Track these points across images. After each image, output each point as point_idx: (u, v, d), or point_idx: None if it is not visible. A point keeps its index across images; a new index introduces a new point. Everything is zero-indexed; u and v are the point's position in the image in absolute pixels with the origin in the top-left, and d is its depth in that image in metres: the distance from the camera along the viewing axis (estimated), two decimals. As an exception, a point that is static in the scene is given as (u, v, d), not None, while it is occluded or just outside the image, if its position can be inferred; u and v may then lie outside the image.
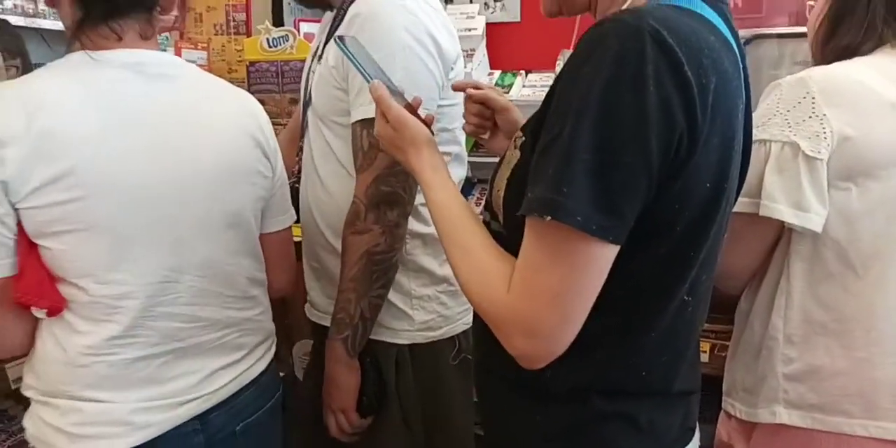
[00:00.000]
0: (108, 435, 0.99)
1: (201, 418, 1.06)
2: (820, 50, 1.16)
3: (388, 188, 1.12)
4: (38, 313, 0.96)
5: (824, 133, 1.01)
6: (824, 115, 1.02)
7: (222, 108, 1.09)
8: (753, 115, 1.10)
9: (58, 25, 3.30)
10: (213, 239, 1.06)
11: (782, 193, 1.03)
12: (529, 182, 0.71)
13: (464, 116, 1.13)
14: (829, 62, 1.11)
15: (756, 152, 1.06)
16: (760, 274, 1.16)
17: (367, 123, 1.15)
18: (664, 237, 0.73)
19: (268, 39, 2.34)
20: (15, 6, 3.15)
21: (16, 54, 2.21)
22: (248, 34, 2.67)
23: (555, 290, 0.69)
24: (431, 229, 1.17)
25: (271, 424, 1.20)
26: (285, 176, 1.22)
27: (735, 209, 1.06)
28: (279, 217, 1.22)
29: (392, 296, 1.23)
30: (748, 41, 2.70)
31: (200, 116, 1.05)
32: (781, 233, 1.10)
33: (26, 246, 0.94)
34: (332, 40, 0.95)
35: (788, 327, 1.10)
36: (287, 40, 2.33)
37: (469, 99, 1.09)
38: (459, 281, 0.80)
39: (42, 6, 3.30)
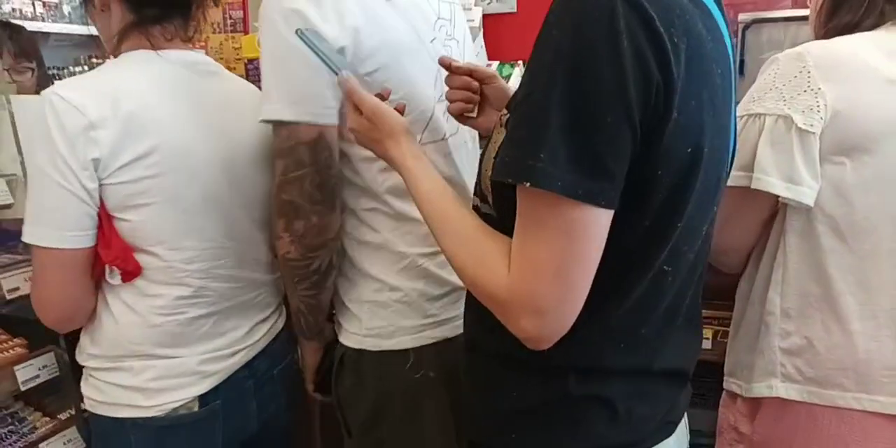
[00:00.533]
0: (182, 385, 1.13)
1: (249, 365, 1.22)
2: (822, 28, 1.15)
3: (287, 197, 1.05)
4: (114, 279, 1.08)
5: (818, 106, 1.01)
6: (819, 88, 1.02)
7: (257, 101, 1.16)
8: (751, 88, 1.11)
9: (55, 28, 3.32)
10: (250, 212, 1.20)
11: (774, 166, 1.03)
12: (504, 144, 0.69)
13: (447, 97, 1.07)
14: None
15: (751, 125, 1.06)
16: (759, 251, 1.16)
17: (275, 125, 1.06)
18: (644, 203, 0.71)
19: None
20: (14, 10, 3.17)
21: (31, 57, 2.25)
22: (246, 32, 2.67)
23: (555, 263, 0.67)
24: (380, 237, 1.12)
25: (294, 369, 1.36)
26: None
27: (730, 183, 1.06)
28: None
29: (345, 296, 1.18)
30: (749, 25, 2.69)
31: (243, 108, 1.16)
32: (776, 207, 1.10)
33: (107, 219, 1.05)
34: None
35: (785, 301, 1.11)
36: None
37: (452, 73, 1.05)
38: (456, 268, 0.78)
39: (40, 10, 3.32)
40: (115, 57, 1.13)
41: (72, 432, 1.40)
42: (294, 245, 1.06)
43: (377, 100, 0.89)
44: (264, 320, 1.27)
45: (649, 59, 0.64)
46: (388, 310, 1.12)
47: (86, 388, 1.16)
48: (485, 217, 0.80)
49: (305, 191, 1.03)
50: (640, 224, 0.72)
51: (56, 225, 1.01)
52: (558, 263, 0.67)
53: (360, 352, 1.14)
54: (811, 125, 1.01)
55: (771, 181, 1.03)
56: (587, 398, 0.80)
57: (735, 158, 1.07)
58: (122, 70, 1.10)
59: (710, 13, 0.75)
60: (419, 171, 0.85)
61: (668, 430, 0.86)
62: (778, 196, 1.05)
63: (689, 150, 0.69)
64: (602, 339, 0.78)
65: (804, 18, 1.34)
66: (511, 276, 0.70)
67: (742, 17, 2.75)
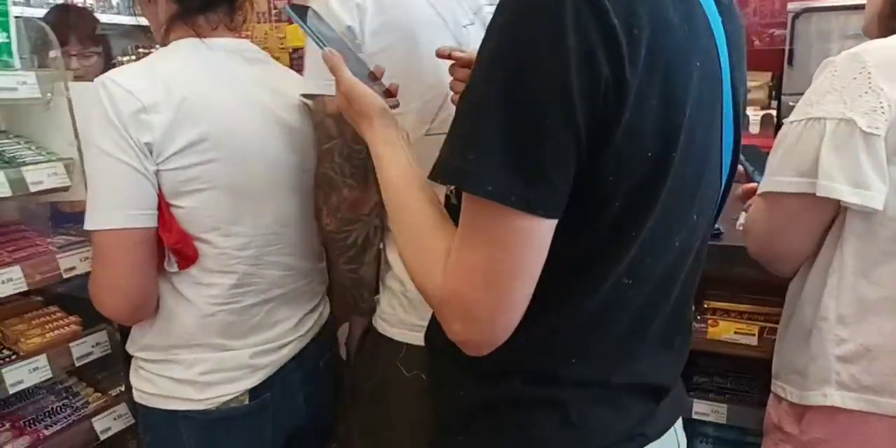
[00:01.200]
0: (233, 379, 1.14)
1: (297, 357, 1.22)
2: (883, 24, 1.11)
3: (322, 169, 1.10)
4: (171, 267, 1.09)
5: (882, 108, 0.98)
6: (881, 89, 0.99)
7: (292, 83, 1.20)
8: (806, 92, 1.08)
9: (104, 19, 3.39)
10: (301, 198, 1.20)
11: (841, 172, 1.00)
12: (444, 141, 0.65)
13: (451, 87, 1.03)
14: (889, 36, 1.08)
15: (810, 130, 1.03)
16: (811, 255, 1.13)
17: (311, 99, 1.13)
18: (596, 211, 0.66)
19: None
20: (65, 1, 3.24)
21: (98, 41, 2.26)
22: (290, 21, 2.69)
23: (487, 271, 0.63)
24: None
25: (337, 360, 1.36)
26: None
27: (789, 190, 1.05)
28: None
29: (380, 274, 1.20)
30: (798, 15, 2.62)
31: (288, 95, 1.17)
32: (838, 212, 1.08)
33: (164, 203, 1.06)
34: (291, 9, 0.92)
35: (840, 307, 1.08)
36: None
37: (455, 64, 0.99)
38: (404, 262, 0.75)
39: (90, 1, 3.39)
40: (164, 46, 1.15)
41: (122, 408, 1.44)
42: (330, 217, 1.10)
43: (354, 80, 0.85)
44: (312, 310, 1.27)
45: (598, 56, 0.58)
46: (396, 300, 1.14)
47: (136, 379, 1.17)
48: (456, 210, 0.74)
49: (336, 163, 1.07)
50: (594, 233, 0.67)
51: (121, 204, 1.02)
52: (490, 271, 0.63)
53: (375, 329, 1.18)
54: (876, 128, 0.98)
55: (838, 187, 1.00)
56: (536, 401, 0.75)
57: (788, 163, 1.05)
58: (171, 58, 1.11)
59: (695, 8, 0.68)
60: (388, 157, 0.81)
61: (638, 443, 0.79)
62: (841, 202, 1.02)
63: (650, 154, 0.63)
64: (550, 349, 0.74)
65: (853, 8, 1.30)
66: (444, 279, 0.66)
67: (791, 6, 2.69)
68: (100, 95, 1.00)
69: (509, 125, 0.59)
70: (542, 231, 0.62)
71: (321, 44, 0.88)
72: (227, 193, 1.09)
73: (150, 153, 1.02)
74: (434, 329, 0.83)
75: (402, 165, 0.79)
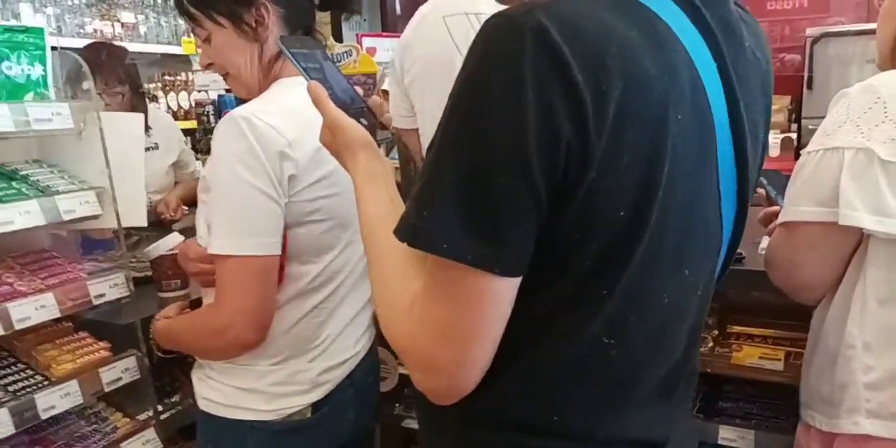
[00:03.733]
0: (299, 392, 1.18)
1: (351, 375, 1.25)
2: (895, 59, 1.13)
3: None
4: None
5: None
6: None
7: None
8: (821, 124, 1.09)
9: (132, 47, 3.48)
10: None
11: (861, 200, 1.00)
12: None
13: None
14: None
15: (828, 160, 1.04)
16: (835, 282, 1.13)
17: None
18: (565, 269, 0.63)
19: (332, 55, 2.41)
20: (95, 31, 3.34)
21: (124, 81, 2.31)
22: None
23: (445, 324, 0.61)
24: None
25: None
26: None
27: (810, 219, 1.05)
28: None
29: None
30: (817, 40, 2.63)
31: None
32: (860, 241, 1.08)
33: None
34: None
35: (865, 335, 1.08)
36: (350, 55, 2.40)
37: None
38: (374, 303, 0.73)
39: (119, 30, 3.49)
40: (265, 85, 1.19)
41: (150, 433, 1.46)
42: None
43: (338, 112, 0.84)
44: (367, 329, 1.31)
45: (558, 114, 0.55)
46: None
47: (203, 388, 1.20)
48: None
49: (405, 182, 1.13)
50: (562, 291, 0.64)
51: (259, 233, 1.06)
52: (449, 326, 0.61)
53: None
54: (895, 156, 0.99)
55: (859, 216, 1.00)
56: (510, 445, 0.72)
57: (808, 192, 1.05)
58: (293, 95, 1.11)
59: (673, 46, 0.62)
60: (368, 193, 0.78)
61: None
62: (864, 230, 1.02)
63: (623, 213, 0.60)
64: (531, 400, 0.70)
65: (871, 32, 1.31)
66: (407, 328, 0.65)
67: (810, 31, 2.70)
68: (243, 130, 1.04)
69: (464, 182, 0.57)
70: (501, 289, 0.60)
71: (307, 76, 0.88)
72: (337, 225, 1.16)
73: (290, 184, 1.07)
74: None
75: (382, 203, 0.77)
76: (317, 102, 0.85)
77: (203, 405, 1.19)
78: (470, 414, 0.71)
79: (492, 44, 0.58)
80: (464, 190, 0.57)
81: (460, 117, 0.59)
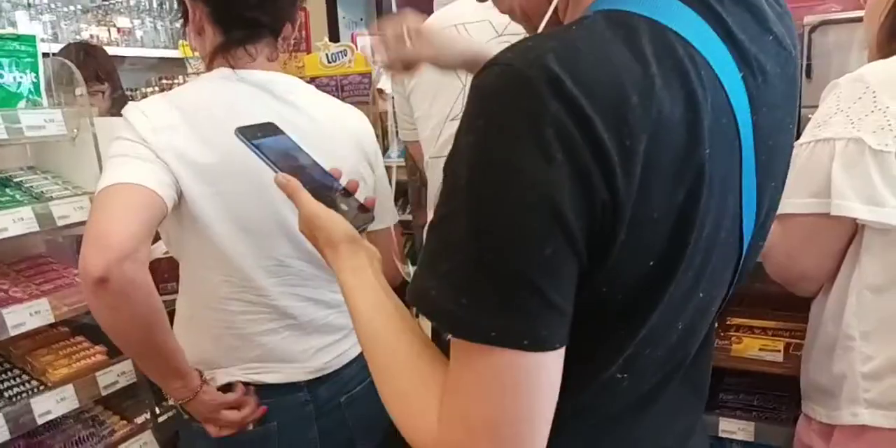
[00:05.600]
0: None
1: (310, 391, 1.19)
2: (882, 51, 1.12)
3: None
4: None
5: (889, 125, 0.99)
6: (887, 107, 0.99)
7: (334, 123, 1.21)
8: (814, 116, 1.08)
9: (128, 52, 3.49)
10: None
11: (853, 190, 1.00)
12: (421, 263, 0.57)
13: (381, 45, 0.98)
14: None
15: (819, 151, 1.04)
16: (832, 273, 1.12)
17: None
18: (584, 319, 0.58)
19: (327, 55, 2.41)
20: (91, 36, 3.35)
21: (104, 80, 2.33)
22: (308, 51, 2.75)
23: (494, 421, 0.53)
24: None
25: (374, 394, 1.26)
26: (386, 182, 1.34)
27: (804, 211, 1.05)
28: (381, 217, 1.29)
29: None
30: (815, 28, 2.61)
31: (316, 130, 1.16)
32: (855, 231, 1.07)
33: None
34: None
35: (864, 324, 1.07)
36: (345, 55, 2.39)
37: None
38: (386, 406, 0.65)
39: (115, 35, 3.50)
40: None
41: (147, 436, 1.47)
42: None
43: (314, 205, 0.79)
44: (331, 344, 1.23)
45: (592, 175, 0.49)
46: None
47: None
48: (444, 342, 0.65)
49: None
50: (586, 335, 0.59)
51: (131, 173, 1.01)
52: (497, 420, 0.53)
53: None
54: (886, 145, 0.99)
55: (851, 206, 1.00)
56: None
57: (801, 184, 1.05)
58: (197, 87, 1.13)
59: (696, 68, 0.55)
60: (356, 288, 0.73)
61: None
62: (857, 219, 1.02)
63: (652, 263, 0.56)
64: None
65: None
66: (440, 430, 0.56)
67: (808, 19, 2.67)
68: (123, 122, 1.04)
69: (505, 268, 0.51)
70: (554, 363, 0.54)
71: (274, 168, 0.83)
72: (236, 225, 1.09)
73: (170, 170, 1.02)
74: None
75: (368, 297, 0.71)
76: (291, 196, 0.80)
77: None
78: None
79: (500, 106, 0.50)
80: (506, 270, 0.50)
81: (482, 194, 0.51)
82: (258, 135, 0.85)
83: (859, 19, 2.28)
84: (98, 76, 2.31)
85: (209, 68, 1.16)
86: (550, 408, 0.55)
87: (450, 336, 0.54)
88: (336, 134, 1.20)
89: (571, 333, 0.57)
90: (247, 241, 1.10)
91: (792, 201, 1.06)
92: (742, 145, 0.61)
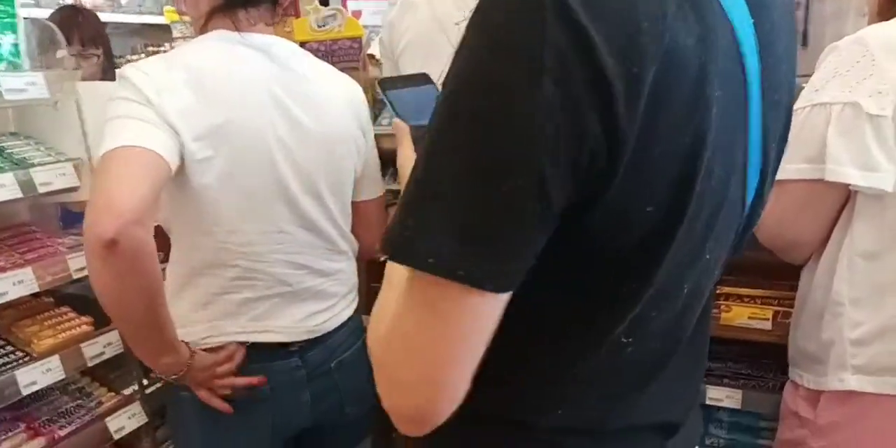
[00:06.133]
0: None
1: (301, 356, 1.20)
2: (886, 8, 1.09)
3: None
4: None
5: (886, 89, 0.97)
6: (885, 71, 0.97)
7: (330, 88, 1.21)
8: (811, 78, 1.06)
9: (113, 18, 3.41)
10: (321, 201, 1.19)
11: (848, 155, 0.99)
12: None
13: None
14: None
15: (815, 116, 1.02)
16: (823, 240, 1.12)
17: None
18: (585, 272, 0.56)
19: (316, 19, 2.35)
20: (75, 1, 3.26)
21: (98, 43, 2.29)
22: (297, 15, 2.68)
23: (412, 342, 0.53)
24: None
25: (363, 360, 1.27)
26: (376, 152, 1.34)
27: (797, 177, 1.03)
28: (371, 187, 1.33)
29: None
30: (810, -7, 2.57)
31: (313, 94, 1.17)
32: (848, 197, 1.06)
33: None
34: None
35: (854, 291, 1.07)
36: (335, 19, 2.33)
37: None
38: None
39: (99, 1, 3.41)
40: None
41: (135, 407, 1.46)
42: None
43: (409, 151, 0.75)
44: (324, 310, 1.24)
45: (583, 106, 0.46)
46: None
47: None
48: None
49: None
50: (585, 292, 0.58)
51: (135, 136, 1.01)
52: (415, 344, 0.53)
53: None
54: (882, 109, 0.97)
55: (846, 171, 0.99)
56: (508, 440, 0.67)
57: (795, 150, 1.02)
58: (197, 47, 1.11)
59: (713, 10, 0.53)
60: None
61: None
62: (850, 185, 1.01)
63: (651, 209, 0.52)
64: (531, 402, 0.65)
65: (868, -13, 1.27)
66: (382, 338, 0.57)
67: (801, -15, 2.63)
68: (121, 82, 1.02)
69: (461, 194, 0.48)
70: (491, 308, 0.52)
71: (395, 112, 0.82)
72: (233, 191, 1.08)
73: (174, 132, 1.00)
74: None
75: None
76: (397, 140, 0.77)
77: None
78: (469, 411, 0.64)
79: (500, 20, 0.47)
80: (462, 196, 0.48)
81: (461, 109, 0.48)
82: (398, 85, 0.85)
83: (857, -13, 2.23)
84: (94, 40, 2.28)
85: (202, 31, 1.14)
86: (474, 352, 0.54)
87: (385, 257, 0.52)
88: (332, 100, 1.19)
89: (573, 290, 0.56)
90: (247, 206, 1.10)
91: (786, 167, 1.05)
92: (748, 96, 0.58)
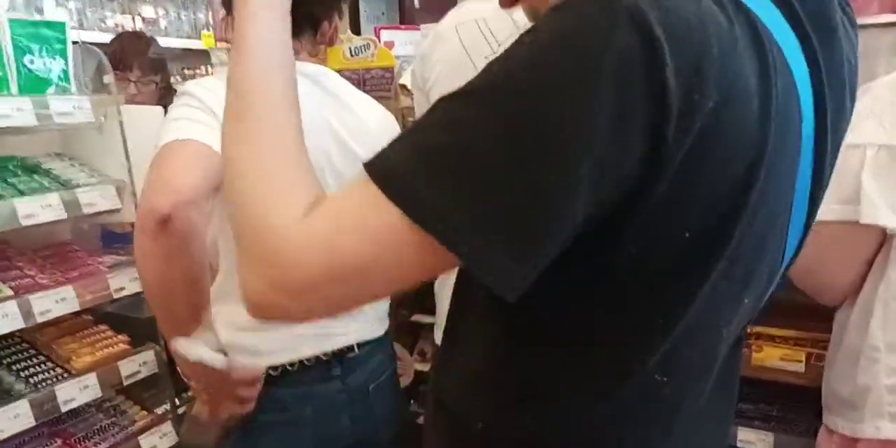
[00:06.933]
0: None
1: (343, 380, 1.22)
2: None
3: None
4: None
5: None
6: None
7: (370, 114, 1.25)
8: None
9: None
10: None
11: (883, 198, 0.99)
12: (404, 134, 0.52)
13: None
14: None
15: (848, 157, 1.01)
16: (857, 283, 1.11)
17: None
18: (616, 300, 0.55)
19: (350, 48, 2.40)
20: (116, 25, 3.36)
21: (158, 70, 2.32)
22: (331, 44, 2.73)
23: (348, 258, 0.50)
24: None
25: (396, 386, 1.36)
26: None
27: (830, 218, 1.02)
28: None
29: None
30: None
31: (361, 124, 1.21)
32: (883, 240, 1.05)
33: None
34: None
35: (890, 336, 1.05)
36: (368, 49, 2.38)
37: None
38: (237, 178, 0.57)
39: (140, 25, 3.51)
40: None
41: (167, 427, 1.48)
42: None
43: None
44: (356, 331, 1.24)
45: (636, 119, 0.45)
46: None
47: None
48: None
49: None
50: (615, 325, 0.56)
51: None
52: (350, 260, 0.49)
53: None
54: None
55: (881, 214, 0.99)
56: None
57: (829, 190, 1.03)
58: None
59: (770, 48, 0.52)
60: (266, 22, 0.66)
61: None
62: (886, 228, 1.00)
63: (688, 235, 0.51)
64: (560, 441, 0.63)
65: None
66: (305, 223, 0.51)
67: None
68: (182, 95, 1.05)
69: (490, 179, 0.46)
70: (436, 262, 0.50)
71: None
72: None
73: None
74: (444, 378, 0.72)
75: (287, 52, 0.65)
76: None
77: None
78: (500, 443, 0.64)
79: (572, 15, 0.46)
80: (489, 181, 0.46)
81: (510, 99, 0.46)
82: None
83: (892, 24, 2.24)
84: (154, 66, 2.29)
85: None
86: (390, 283, 0.52)
87: (370, 176, 0.50)
88: (376, 130, 1.23)
89: (602, 319, 0.54)
90: None
91: (820, 207, 1.05)
92: (802, 136, 0.57)
